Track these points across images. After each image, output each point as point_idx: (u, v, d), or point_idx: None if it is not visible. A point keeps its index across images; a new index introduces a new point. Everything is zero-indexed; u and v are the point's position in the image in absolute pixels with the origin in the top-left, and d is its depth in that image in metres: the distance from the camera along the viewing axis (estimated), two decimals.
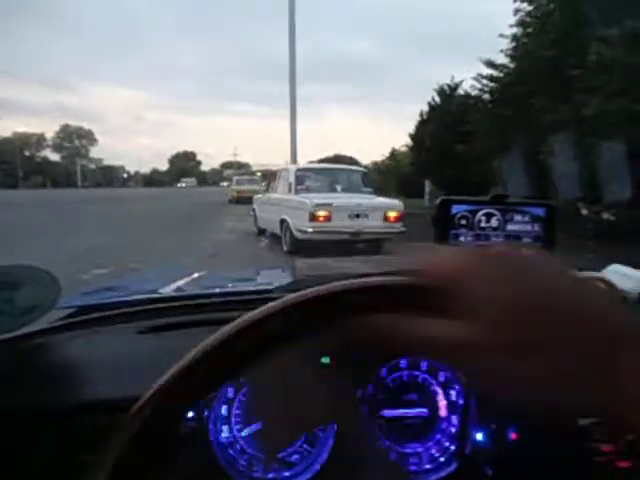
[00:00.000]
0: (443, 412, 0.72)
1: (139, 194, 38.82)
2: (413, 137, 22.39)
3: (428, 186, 20.32)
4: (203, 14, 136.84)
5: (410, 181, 24.12)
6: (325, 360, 0.68)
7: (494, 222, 0.70)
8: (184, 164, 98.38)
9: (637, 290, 0.74)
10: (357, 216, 6.97)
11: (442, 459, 0.71)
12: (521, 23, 12.69)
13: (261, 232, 9.22)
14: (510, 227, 0.70)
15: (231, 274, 1.64)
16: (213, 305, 0.85)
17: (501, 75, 13.61)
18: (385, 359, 0.71)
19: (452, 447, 0.71)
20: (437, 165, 18.34)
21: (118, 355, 0.70)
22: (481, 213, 0.70)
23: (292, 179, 7.66)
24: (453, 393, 0.72)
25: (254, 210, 9.63)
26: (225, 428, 0.67)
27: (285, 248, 7.30)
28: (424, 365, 0.73)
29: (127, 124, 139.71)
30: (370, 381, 0.71)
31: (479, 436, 0.69)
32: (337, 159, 56.36)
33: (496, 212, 0.70)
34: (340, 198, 7.19)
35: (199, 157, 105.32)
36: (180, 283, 1.14)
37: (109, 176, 77.87)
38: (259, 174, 34.22)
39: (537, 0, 11.98)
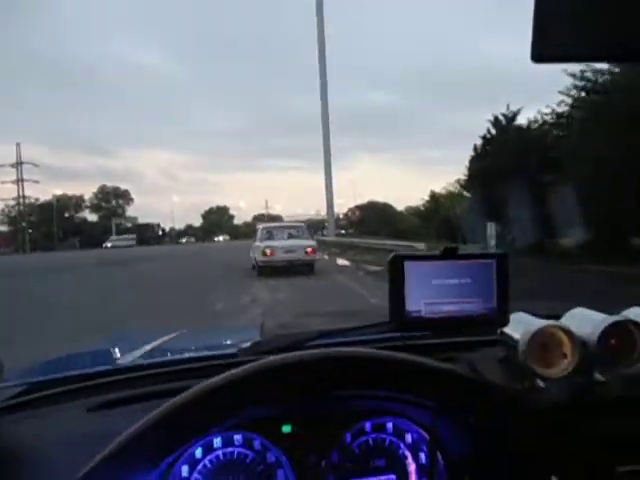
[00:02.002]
0: (413, 477, 0.70)
1: (175, 251, 36.95)
2: (469, 175, 19.38)
3: (492, 229, 16.82)
4: (230, 75, 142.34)
5: (459, 224, 20.83)
6: (286, 429, 0.67)
7: (447, 277, 0.70)
8: (217, 219, 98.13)
9: (596, 335, 0.70)
10: (289, 252, 12.80)
11: None
12: None
13: (253, 267, 13.78)
14: (463, 281, 0.70)
15: (207, 333, 1.70)
16: (171, 374, 0.81)
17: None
18: (349, 424, 0.69)
19: None
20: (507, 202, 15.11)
21: (62, 437, 0.65)
22: (433, 268, 0.69)
23: (259, 233, 13.89)
24: (422, 456, 0.71)
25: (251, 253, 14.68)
26: None
27: (255, 273, 13.06)
28: (390, 427, 0.72)
29: (161, 183, 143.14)
30: (335, 448, 0.69)
31: None
32: (372, 206, 54.50)
33: (448, 266, 0.70)
34: (280, 242, 13.10)
35: (232, 211, 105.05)
36: (147, 348, 1.10)
37: (144, 234, 77.15)
38: None
39: None
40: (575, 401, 0.71)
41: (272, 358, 0.47)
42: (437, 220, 28.96)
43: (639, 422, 0.67)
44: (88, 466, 0.38)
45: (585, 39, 0.41)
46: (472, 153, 19.27)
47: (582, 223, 11.95)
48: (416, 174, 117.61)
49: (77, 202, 78.19)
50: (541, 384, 0.71)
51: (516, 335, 0.73)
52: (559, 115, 13.78)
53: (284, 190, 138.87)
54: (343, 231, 50.68)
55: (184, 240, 78.57)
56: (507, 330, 0.76)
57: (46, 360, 1.11)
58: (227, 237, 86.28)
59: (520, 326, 0.74)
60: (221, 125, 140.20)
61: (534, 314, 0.77)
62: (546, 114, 14.89)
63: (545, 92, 16.45)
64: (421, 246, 16.21)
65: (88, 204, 79.20)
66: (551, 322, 0.72)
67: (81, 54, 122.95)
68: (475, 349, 0.86)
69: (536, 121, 15.84)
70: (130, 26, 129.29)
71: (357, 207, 55.21)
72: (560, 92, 12.37)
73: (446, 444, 0.67)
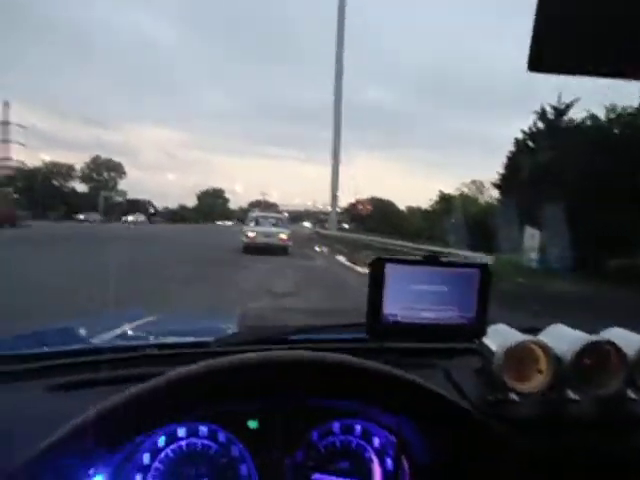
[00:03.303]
0: None
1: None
2: (505, 175, 16.55)
3: (535, 239, 13.85)
4: (237, 60, 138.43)
5: (482, 229, 18.00)
6: (253, 424, 0.66)
7: (428, 284, 0.69)
8: (212, 201, 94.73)
9: (572, 353, 0.70)
10: (267, 236, 16.01)
11: None
12: None
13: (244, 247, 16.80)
14: (444, 289, 0.69)
15: (184, 318, 1.62)
16: (139, 359, 0.77)
17: None
18: (317, 424, 0.69)
19: None
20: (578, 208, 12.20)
21: (17, 417, 0.64)
22: (415, 273, 0.69)
23: (248, 219, 17.61)
24: (389, 461, 0.70)
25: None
26: None
27: (242, 251, 15.72)
28: (358, 430, 0.70)
29: (157, 159, 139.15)
30: (300, 447, 0.67)
31: None
32: (375, 202, 51.75)
33: (430, 273, 0.69)
34: (262, 228, 16.35)
35: (227, 195, 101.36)
36: (119, 330, 1.07)
37: (134, 210, 73.59)
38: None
39: None
40: (546, 417, 0.72)
41: (248, 355, 0.48)
42: (451, 223, 26.44)
43: (603, 444, 0.68)
44: (37, 449, 0.36)
45: (587, 51, 0.40)
46: (512, 149, 16.50)
47: None
48: (417, 175, 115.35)
49: (67, 171, 74.73)
50: (515, 397, 0.72)
51: (493, 347, 0.73)
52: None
53: (282, 178, 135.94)
54: (346, 225, 48.00)
55: (82, 216, 51.12)
56: (485, 341, 0.76)
57: (10, 335, 1.06)
58: (142, 217, 53.28)
59: (498, 338, 0.74)
60: (223, 107, 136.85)
61: (514, 327, 0.78)
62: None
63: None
64: (485, 258, 10.78)
65: (79, 174, 75.76)
66: (529, 337, 0.72)
67: (91, 20, 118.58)
68: (452, 357, 0.86)
69: (613, 109, 13.03)
70: None
71: (360, 202, 52.37)
72: None
73: (412, 450, 0.66)
